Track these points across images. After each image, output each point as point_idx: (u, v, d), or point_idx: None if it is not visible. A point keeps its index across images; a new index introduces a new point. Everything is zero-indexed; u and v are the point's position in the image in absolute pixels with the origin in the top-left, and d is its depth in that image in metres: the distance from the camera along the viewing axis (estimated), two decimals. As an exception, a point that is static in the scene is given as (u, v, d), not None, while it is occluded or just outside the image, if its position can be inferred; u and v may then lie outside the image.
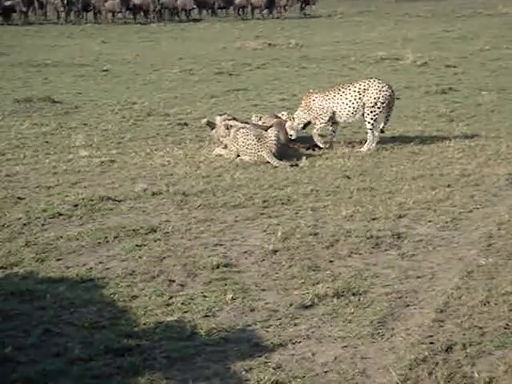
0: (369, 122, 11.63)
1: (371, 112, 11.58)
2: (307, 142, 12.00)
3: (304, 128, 12.09)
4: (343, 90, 11.71)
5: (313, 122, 11.88)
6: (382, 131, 11.88)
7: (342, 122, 12.02)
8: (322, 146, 11.68)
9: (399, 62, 23.22)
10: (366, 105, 11.59)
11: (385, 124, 11.83)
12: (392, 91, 11.76)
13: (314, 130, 11.82)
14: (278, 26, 41.16)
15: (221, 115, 12.13)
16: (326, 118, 11.74)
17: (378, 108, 11.59)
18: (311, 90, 12.32)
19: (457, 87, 18.03)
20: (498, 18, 41.98)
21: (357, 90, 11.63)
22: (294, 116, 12.01)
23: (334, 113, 11.73)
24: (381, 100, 11.58)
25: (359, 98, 11.59)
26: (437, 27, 36.45)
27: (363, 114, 11.63)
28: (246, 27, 41.16)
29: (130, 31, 39.79)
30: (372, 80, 11.81)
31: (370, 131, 11.68)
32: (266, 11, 49.63)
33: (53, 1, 48.83)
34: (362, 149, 11.67)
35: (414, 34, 32.96)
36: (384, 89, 11.63)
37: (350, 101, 11.62)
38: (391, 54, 24.89)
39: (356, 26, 40.44)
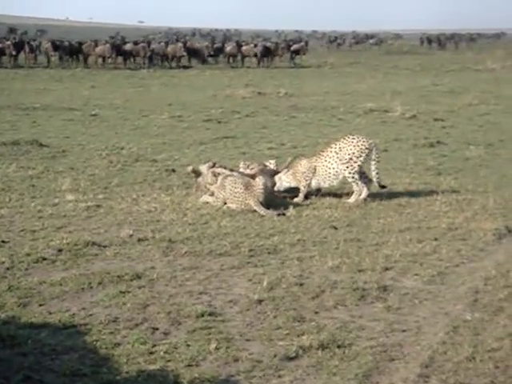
0: (349, 177, 11.72)
1: (347, 167, 11.68)
2: (294, 191, 11.99)
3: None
4: (323, 154, 11.86)
5: (298, 186, 11.98)
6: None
7: (326, 187, 12.04)
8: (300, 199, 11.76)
9: (388, 114, 23.37)
10: (342, 161, 11.69)
11: (378, 178, 11.83)
12: (369, 144, 11.80)
13: (301, 195, 11.86)
14: (267, 75, 41.48)
15: (207, 163, 12.13)
16: (309, 184, 11.85)
17: (355, 162, 11.68)
18: (300, 156, 12.41)
19: (445, 141, 18.14)
20: (486, 73, 42.44)
21: (333, 151, 11.77)
22: (277, 178, 12.03)
23: (317, 180, 11.85)
24: (356, 154, 11.67)
25: (338, 159, 11.73)
26: (426, 81, 36.81)
27: (344, 170, 11.71)
28: (235, 75, 41.46)
29: (119, 76, 39.99)
30: (347, 137, 11.95)
31: (353, 184, 11.73)
32: (255, 60, 50.01)
33: (44, 45, 49.21)
34: (349, 200, 11.68)
35: (402, 87, 33.25)
36: (359, 143, 11.73)
37: (331, 163, 11.76)
38: (380, 105, 25.06)
39: (345, 77, 40.81)
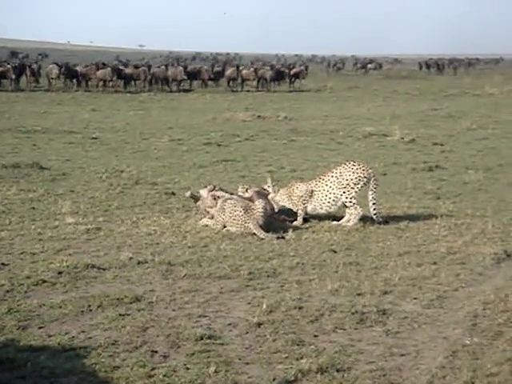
0: (346, 201, 11.77)
1: (344, 192, 11.74)
2: (293, 215, 12.02)
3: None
4: (323, 179, 11.91)
5: (294, 209, 12.00)
6: (386, 222, 11.89)
7: (323, 213, 12.06)
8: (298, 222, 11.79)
9: (387, 138, 23.44)
10: (340, 186, 11.74)
11: (375, 210, 11.80)
12: (368, 172, 11.86)
13: (299, 218, 11.90)
14: (267, 99, 41.62)
15: (206, 187, 12.16)
16: (306, 208, 11.89)
17: (352, 188, 11.73)
18: (296, 181, 12.44)
19: (444, 165, 18.19)
20: (485, 98, 42.59)
21: (334, 176, 11.83)
22: (275, 198, 12.07)
23: (314, 205, 11.87)
24: (354, 181, 11.73)
25: (337, 184, 11.79)
26: (424, 105, 36.93)
27: (341, 195, 11.75)
28: (235, 99, 41.59)
29: (120, 100, 40.12)
30: (347, 162, 12.01)
31: (352, 208, 11.77)
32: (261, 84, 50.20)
33: (49, 69, 49.41)
34: (347, 223, 11.71)
35: (401, 111, 33.37)
36: (359, 170, 11.79)
37: (331, 188, 11.80)
38: (379, 129, 25.14)
39: (345, 101, 40.95)
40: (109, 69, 48.14)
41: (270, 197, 12.06)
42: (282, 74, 51.88)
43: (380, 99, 41.73)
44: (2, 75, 46.54)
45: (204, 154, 20.02)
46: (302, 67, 58.18)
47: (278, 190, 12.16)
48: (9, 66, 47.68)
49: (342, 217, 11.97)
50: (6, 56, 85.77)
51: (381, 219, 11.88)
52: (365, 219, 11.82)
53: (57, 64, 51.22)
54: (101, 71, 47.86)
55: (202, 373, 6.31)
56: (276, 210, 12.10)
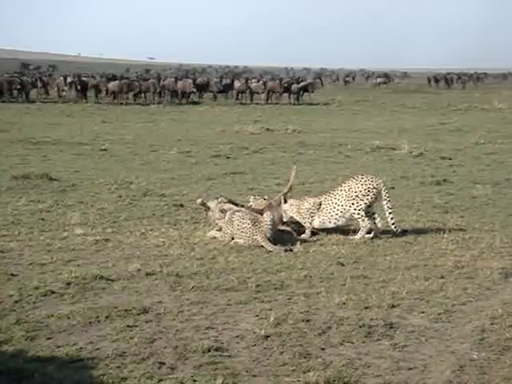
0: (355, 213, 11.79)
1: (353, 204, 11.76)
2: (301, 227, 12.04)
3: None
4: (332, 193, 11.96)
5: (301, 221, 12.03)
6: (404, 231, 11.96)
7: (331, 227, 12.08)
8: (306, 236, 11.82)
9: (395, 151, 23.45)
10: (348, 199, 11.77)
11: (393, 219, 11.85)
12: (377, 183, 11.87)
13: (307, 231, 11.92)
14: (276, 112, 41.68)
15: (216, 198, 12.19)
16: (312, 220, 11.92)
17: (361, 199, 11.75)
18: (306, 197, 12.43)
19: (451, 179, 18.18)
20: (493, 113, 42.57)
21: (343, 189, 11.86)
22: (285, 206, 12.10)
23: (322, 219, 11.89)
24: (362, 192, 11.75)
25: (346, 197, 11.82)
26: (433, 119, 36.93)
27: (350, 207, 11.77)
28: (244, 112, 41.68)
29: (129, 112, 40.23)
30: (356, 176, 12.05)
31: (360, 221, 11.79)
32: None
33: (59, 81, 49.66)
34: (355, 236, 11.72)
35: (410, 125, 33.38)
36: (367, 182, 11.82)
37: (340, 201, 11.83)
38: (387, 143, 25.15)
39: (353, 114, 40.99)
40: (118, 81, 48.34)
41: (284, 206, 12.09)
42: (307, 88, 52.06)
43: (388, 113, 41.77)
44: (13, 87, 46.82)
45: (213, 166, 20.07)
46: (311, 80, 58.31)
47: (285, 198, 12.18)
48: (25, 78, 48.12)
49: (351, 230, 12.00)
50: (17, 67, 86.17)
51: (399, 230, 11.89)
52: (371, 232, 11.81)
53: (65, 76, 51.52)
54: (112, 84, 48.07)
55: (210, 385, 6.32)
56: (285, 220, 12.11)
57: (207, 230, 11.88)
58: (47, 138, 25.36)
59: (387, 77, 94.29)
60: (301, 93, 52.33)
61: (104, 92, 48.78)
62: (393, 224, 11.85)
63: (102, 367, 6.65)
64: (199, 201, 12.21)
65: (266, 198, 12.50)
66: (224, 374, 6.53)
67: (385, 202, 11.88)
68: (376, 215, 11.91)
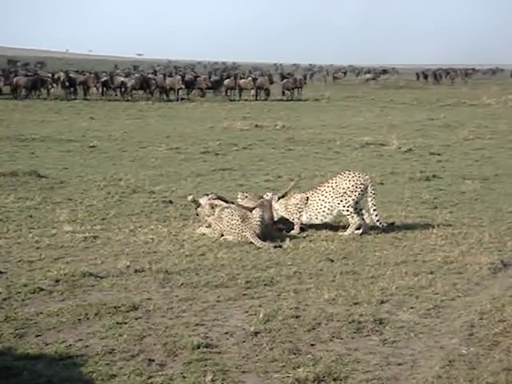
0: (343, 210, 11.81)
1: (341, 201, 11.77)
2: (290, 224, 12.04)
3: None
4: (319, 189, 11.97)
5: (289, 218, 12.04)
6: (391, 224, 12.04)
7: (318, 223, 12.09)
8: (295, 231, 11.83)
9: (384, 147, 23.48)
10: (336, 195, 11.78)
11: (377, 216, 11.86)
12: (365, 179, 11.89)
13: (296, 227, 11.93)
14: (265, 108, 41.65)
15: (207, 195, 12.17)
16: (300, 216, 11.93)
17: (349, 196, 11.76)
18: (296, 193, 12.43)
19: (440, 175, 18.22)
20: (482, 108, 42.65)
21: (330, 186, 11.87)
22: (275, 206, 12.10)
23: (309, 215, 11.90)
24: (350, 189, 11.76)
25: (333, 194, 11.83)
26: (422, 115, 36.98)
27: (338, 204, 11.78)
28: (233, 108, 41.63)
29: (118, 108, 40.13)
30: (343, 172, 12.07)
31: (349, 217, 11.81)
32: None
33: (56, 78, 49.62)
34: (344, 232, 11.73)
35: (399, 121, 33.41)
36: (354, 178, 11.83)
37: (326, 197, 11.84)
38: (376, 139, 25.18)
39: (342, 110, 41.00)
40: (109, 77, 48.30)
41: (273, 204, 12.10)
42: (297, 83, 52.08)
43: (377, 109, 41.78)
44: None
45: (202, 162, 20.05)
46: (301, 76, 58.26)
47: (278, 198, 12.19)
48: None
49: (340, 226, 12.02)
50: (4, 64, 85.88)
51: (385, 224, 11.91)
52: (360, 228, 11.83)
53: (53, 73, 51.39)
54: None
55: (199, 381, 6.33)
56: (275, 219, 12.11)
57: (196, 226, 11.87)
58: (35, 134, 25.27)
59: (385, 72, 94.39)
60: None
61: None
62: (377, 220, 11.87)
63: (92, 364, 6.64)
64: (190, 198, 12.20)
65: (247, 195, 12.43)
66: (214, 370, 6.53)
67: (370, 199, 11.89)
68: (364, 211, 11.93)
